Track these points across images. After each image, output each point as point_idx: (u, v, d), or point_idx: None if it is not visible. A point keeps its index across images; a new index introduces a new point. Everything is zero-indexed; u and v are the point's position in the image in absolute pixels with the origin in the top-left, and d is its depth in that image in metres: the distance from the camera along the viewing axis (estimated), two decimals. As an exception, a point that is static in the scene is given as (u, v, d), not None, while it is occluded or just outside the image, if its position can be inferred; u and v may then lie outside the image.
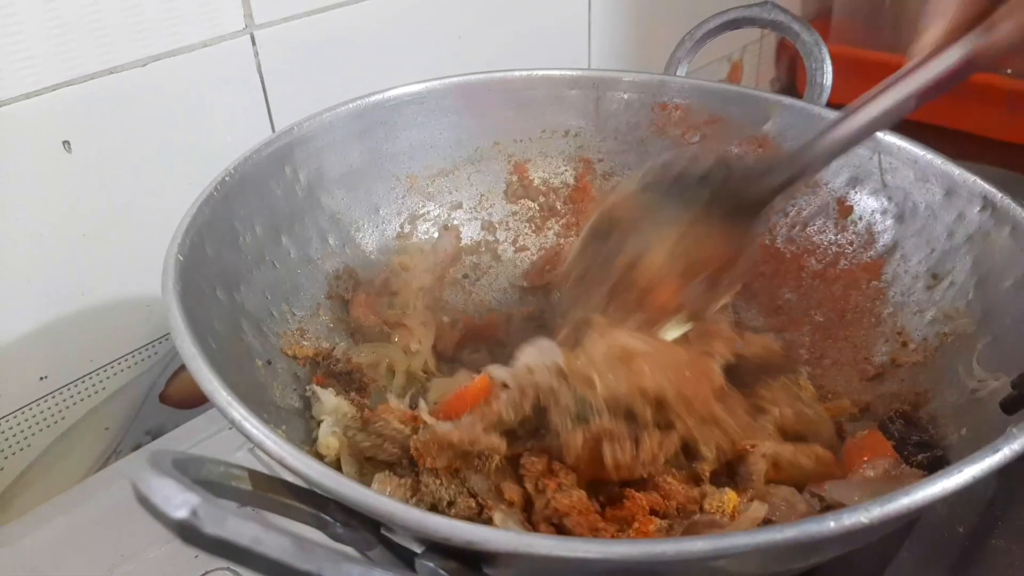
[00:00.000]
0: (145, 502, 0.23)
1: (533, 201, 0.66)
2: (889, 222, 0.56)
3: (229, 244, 0.48)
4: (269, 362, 0.47)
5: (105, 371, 0.59)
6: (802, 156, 0.44)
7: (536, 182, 0.66)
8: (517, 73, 0.63)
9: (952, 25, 0.39)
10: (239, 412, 0.33)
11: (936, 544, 0.48)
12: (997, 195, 0.50)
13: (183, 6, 0.55)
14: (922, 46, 0.39)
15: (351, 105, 0.57)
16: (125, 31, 0.53)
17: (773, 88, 1.32)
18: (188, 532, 0.22)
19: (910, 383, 0.51)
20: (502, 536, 0.28)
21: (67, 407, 0.58)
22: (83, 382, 0.58)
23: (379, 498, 0.30)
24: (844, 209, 0.59)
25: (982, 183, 0.51)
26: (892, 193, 0.56)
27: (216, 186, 0.47)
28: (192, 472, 0.28)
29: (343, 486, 0.30)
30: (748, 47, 1.20)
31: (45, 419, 0.57)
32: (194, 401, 0.64)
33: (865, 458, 0.45)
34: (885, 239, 0.57)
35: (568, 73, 0.65)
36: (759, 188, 0.45)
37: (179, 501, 0.22)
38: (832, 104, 0.62)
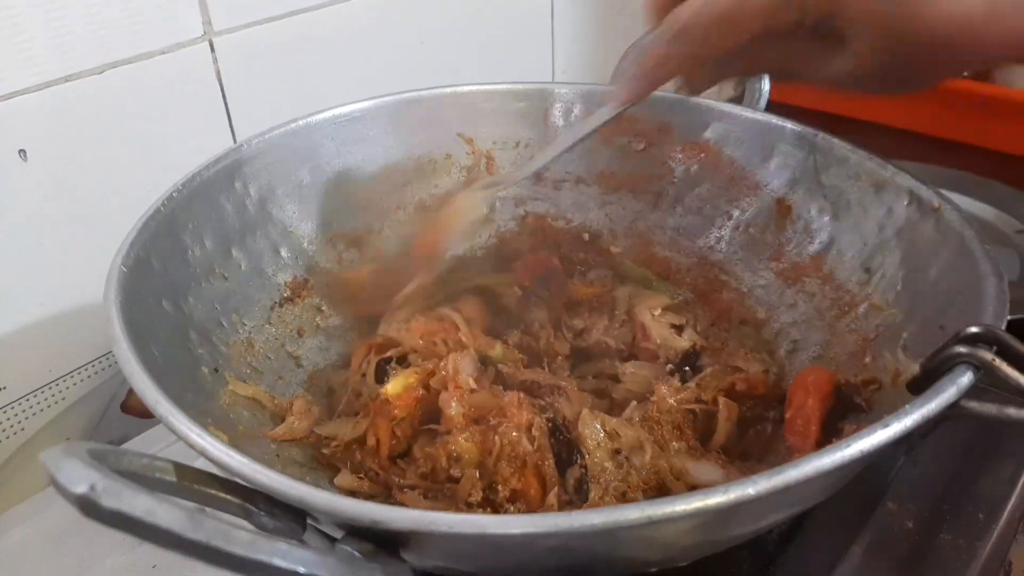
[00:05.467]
0: (52, 480, 0.25)
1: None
2: (826, 219, 0.58)
3: (177, 257, 0.49)
4: (216, 370, 0.49)
5: (65, 381, 0.60)
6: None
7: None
8: (465, 88, 0.65)
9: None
10: (167, 408, 0.35)
11: (887, 539, 0.50)
12: (922, 189, 0.52)
13: (141, 13, 0.57)
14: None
15: (300, 122, 0.59)
16: (82, 38, 0.54)
17: (736, 91, 1.33)
18: (87, 506, 0.24)
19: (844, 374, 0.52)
20: (405, 514, 0.30)
21: (27, 418, 0.59)
22: (43, 392, 0.59)
23: (293, 483, 0.31)
24: (783, 209, 0.60)
25: (908, 178, 0.53)
26: (827, 191, 0.58)
27: (164, 201, 0.49)
28: (112, 462, 0.30)
29: (260, 474, 0.32)
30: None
31: (4, 430, 0.58)
32: (156, 410, 0.65)
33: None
34: (822, 236, 0.58)
35: (516, 86, 0.67)
36: None
37: (80, 477, 0.24)
38: (771, 106, 0.64)
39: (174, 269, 0.49)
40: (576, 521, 0.29)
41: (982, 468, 0.54)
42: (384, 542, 0.32)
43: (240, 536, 0.24)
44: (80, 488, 0.24)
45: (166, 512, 0.24)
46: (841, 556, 0.48)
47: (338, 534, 0.33)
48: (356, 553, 0.32)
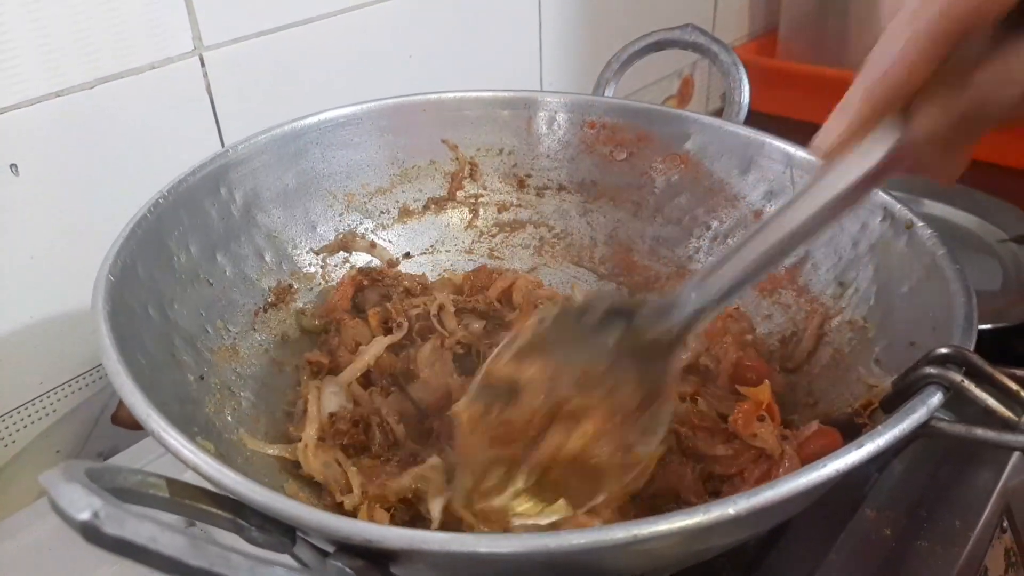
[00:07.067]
0: (53, 506, 0.25)
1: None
2: (801, 233, 0.59)
3: (163, 264, 0.50)
4: (202, 377, 0.49)
5: (56, 393, 0.60)
6: (705, 288, 0.41)
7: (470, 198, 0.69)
8: (450, 95, 0.66)
9: (859, 116, 0.32)
10: (158, 424, 0.35)
11: (864, 546, 0.51)
12: (896, 206, 0.53)
13: (131, 28, 0.57)
14: (817, 145, 0.33)
15: (286, 127, 0.59)
16: (73, 54, 0.54)
17: (723, 102, 1.35)
18: (90, 533, 0.24)
19: (817, 385, 0.54)
20: (397, 533, 0.31)
21: (17, 430, 0.59)
22: (33, 405, 0.59)
23: (287, 501, 0.32)
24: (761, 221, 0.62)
25: (883, 195, 0.54)
26: (803, 205, 0.59)
27: (149, 208, 0.49)
28: (107, 481, 0.30)
29: (254, 492, 0.32)
30: (698, 62, 1.21)
31: (-4, 443, 0.58)
32: (145, 421, 0.65)
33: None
34: (798, 250, 0.59)
35: (500, 94, 0.67)
36: (665, 329, 0.42)
37: (83, 504, 0.25)
38: (753, 115, 0.65)
39: (160, 276, 0.49)
40: (564, 541, 0.30)
41: (958, 476, 0.55)
42: (374, 558, 0.33)
43: (239, 561, 0.25)
44: (83, 515, 0.24)
45: (169, 539, 0.24)
46: (819, 563, 0.49)
47: (328, 548, 0.34)
48: (347, 569, 0.32)
